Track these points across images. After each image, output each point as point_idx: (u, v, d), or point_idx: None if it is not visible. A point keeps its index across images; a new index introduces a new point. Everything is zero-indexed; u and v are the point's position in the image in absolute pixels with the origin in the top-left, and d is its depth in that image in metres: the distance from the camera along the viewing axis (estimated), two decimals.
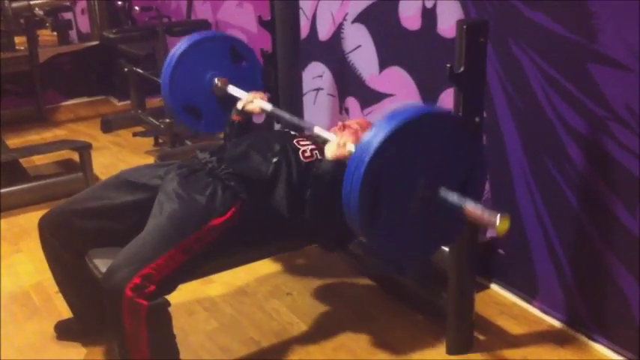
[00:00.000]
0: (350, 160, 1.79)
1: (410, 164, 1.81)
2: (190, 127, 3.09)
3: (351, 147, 2.07)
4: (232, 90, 2.82)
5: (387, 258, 2.24)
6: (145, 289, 1.90)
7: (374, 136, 1.74)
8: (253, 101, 2.65)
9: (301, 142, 2.34)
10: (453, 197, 1.80)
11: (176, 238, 2.01)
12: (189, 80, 2.88)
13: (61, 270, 2.35)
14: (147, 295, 1.90)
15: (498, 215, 1.69)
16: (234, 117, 2.66)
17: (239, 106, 2.67)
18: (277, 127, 3.18)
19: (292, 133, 2.45)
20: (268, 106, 2.63)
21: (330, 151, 2.13)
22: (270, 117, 2.97)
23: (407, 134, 1.76)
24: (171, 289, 2.02)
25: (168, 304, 1.98)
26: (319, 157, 2.28)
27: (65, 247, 2.26)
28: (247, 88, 2.80)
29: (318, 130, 2.30)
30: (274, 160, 2.24)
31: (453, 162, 1.89)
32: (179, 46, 2.87)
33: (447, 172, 1.87)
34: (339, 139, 2.13)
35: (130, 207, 2.22)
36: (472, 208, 1.76)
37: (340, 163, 2.05)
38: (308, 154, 2.30)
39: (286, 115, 2.55)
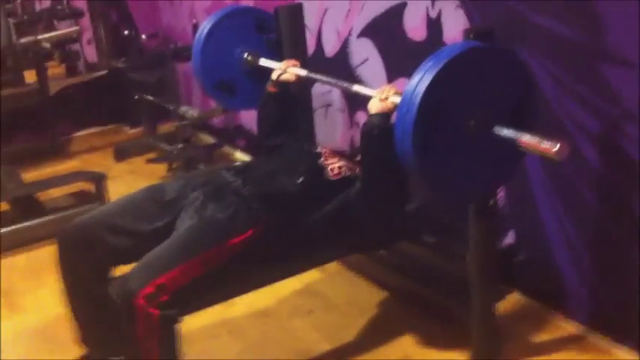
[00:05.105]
0: (399, 105, 1.77)
1: (460, 103, 1.78)
2: (225, 105, 3.03)
3: (394, 99, 2.05)
4: (264, 62, 2.78)
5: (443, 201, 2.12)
6: (159, 299, 1.88)
7: (421, 79, 1.71)
8: (287, 70, 2.61)
9: (327, 161, 2.33)
10: (507, 132, 1.77)
11: (194, 249, 2.00)
12: (219, 57, 2.84)
13: (76, 285, 2.25)
14: (159, 304, 1.88)
15: (558, 144, 1.67)
16: (270, 88, 2.62)
17: (274, 76, 2.62)
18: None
19: (318, 151, 2.43)
20: (303, 72, 2.58)
21: (374, 107, 2.11)
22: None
23: (453, 73, 1.73)
24: (184, 302, 1.98)
25: (178, 320, 1.95)
26: (348, 174, 2.28)
27: (85, 261, 2.19)
28: (278, 58, 2.77)
29: (357, 88, 2.27)
30: (299, 180, 2.23)
31: (503, 95, 1.86)
32: (205, 24, 2.84)
33: (498, 106, 1.84)
34: (381, 94, 2.10)
35: (157, 230, 2.18)
36: (528, 139, 1.73)
37: (385, 115, 2.05)
38: (336, 171, 2.29)
39: (323, 78, 2.49)
